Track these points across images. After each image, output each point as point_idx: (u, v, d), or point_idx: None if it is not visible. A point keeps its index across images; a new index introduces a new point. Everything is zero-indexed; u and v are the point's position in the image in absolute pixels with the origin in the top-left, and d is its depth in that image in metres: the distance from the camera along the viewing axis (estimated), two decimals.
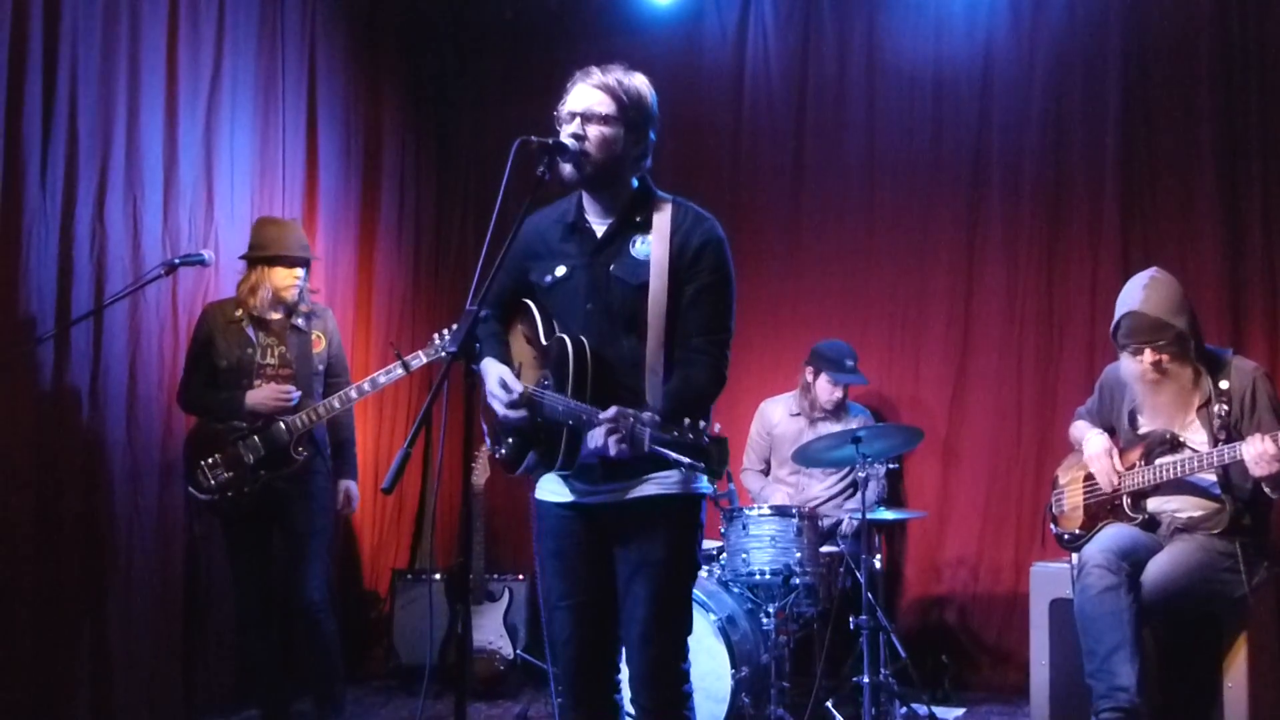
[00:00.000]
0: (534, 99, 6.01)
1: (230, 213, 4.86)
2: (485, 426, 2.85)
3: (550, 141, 2.58)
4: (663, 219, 2.67)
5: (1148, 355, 3.70)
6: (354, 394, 4.16)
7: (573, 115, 2.63)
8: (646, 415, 2.37)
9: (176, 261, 4.12)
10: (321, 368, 4.28)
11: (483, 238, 2.50)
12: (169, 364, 4.54)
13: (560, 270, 2.71)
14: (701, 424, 2.33)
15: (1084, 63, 5.23)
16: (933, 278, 5.49)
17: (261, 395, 4.07)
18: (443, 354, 4.08)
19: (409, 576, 5.54)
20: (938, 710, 4.66)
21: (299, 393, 4.12)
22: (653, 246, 2.64)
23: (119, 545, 4.29)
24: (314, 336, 4.27)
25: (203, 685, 4.66)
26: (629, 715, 2.79)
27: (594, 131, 2.61)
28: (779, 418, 5.22)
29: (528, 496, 6.08)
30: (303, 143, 5.34)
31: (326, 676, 4.26)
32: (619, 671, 2.78)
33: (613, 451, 2.38)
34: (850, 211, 5.67)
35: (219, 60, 4.82)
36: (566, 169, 2.61)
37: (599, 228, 2.71)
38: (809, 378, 5.10)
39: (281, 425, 4.06)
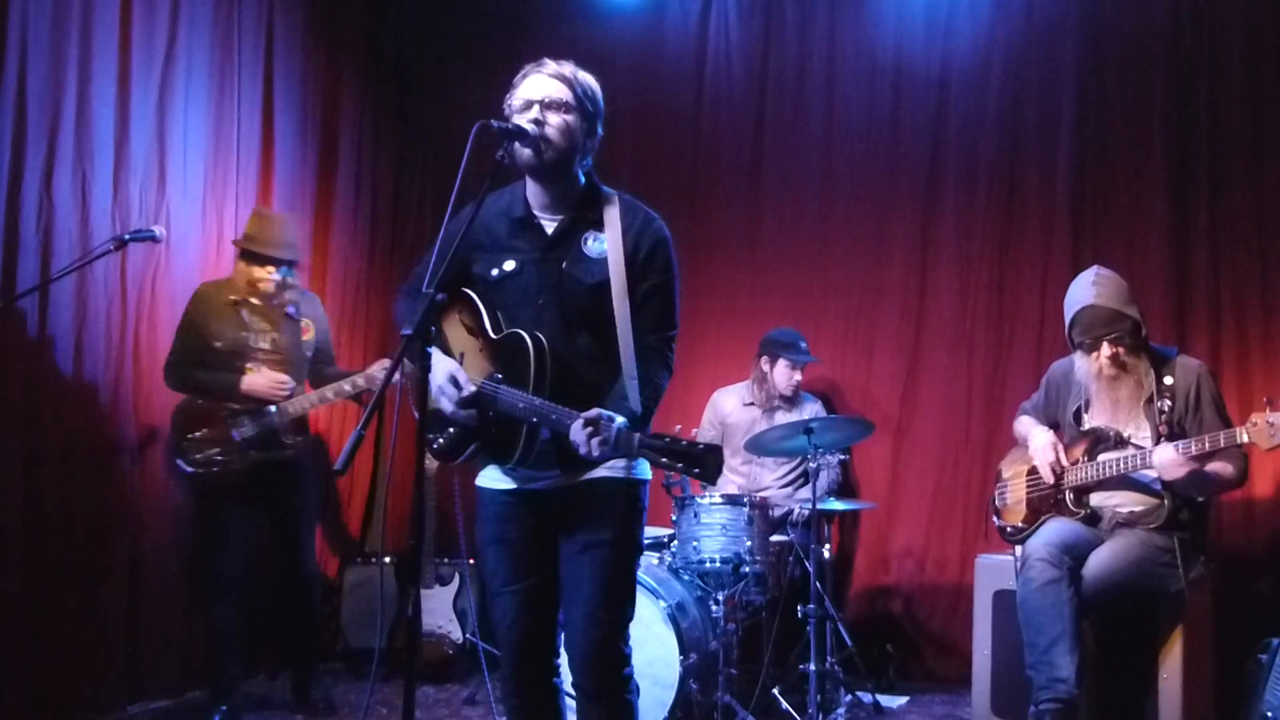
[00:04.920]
0: (495, 82, 5.96)
1: (183, 189, 4.79)
2: (416, 411, 2.81)
3: (511, 126, 2.57)
4: (613, 217, 2.68)
5: (1105, 349, 3.77)
6: (347, 387, 4.30)
7: (529, 103, 2.61)
8: (620, 420, 2.41)
9: (126, 237, 4.06)
10: (309, 354, 4.44)
11: (440, 220, 2.48)
12: (116, 341, 4.47)
13: (509, 264, 2.70)
14: (678, 428, 2.40)
15: (1040, 64, 5.29)
16: (887, 272, 5.54)
17: (259, 382, 4.21)
18: None
19: (359, 559, 5.52)
20: (882, 698, 4.73)
21: (294, 384, 4.27)
22: (608, 246, 2.65)
23: (62, 525, 4.23)
24: (303, 324, 4.42)
25: (146, 669, 4.60)
26: (569, 695, 2.80)
27: (554, 119, 2.61)
28: (731, 407, 5.25)
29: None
30: (258, 119, 5.27)
31: (313, 649, 4.55)
32: (559, 655, 2.80)
33: (595, 453, 2.39)
34: (807, 204, 5.70)
35: (173, 32, 4.74)
36: (525, 154, 2.60)
37: (549, 223, 2.71)
38: (765, 367, 5.14)
39: (274, 410, 4.22)
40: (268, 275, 4.29)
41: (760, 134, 5.82)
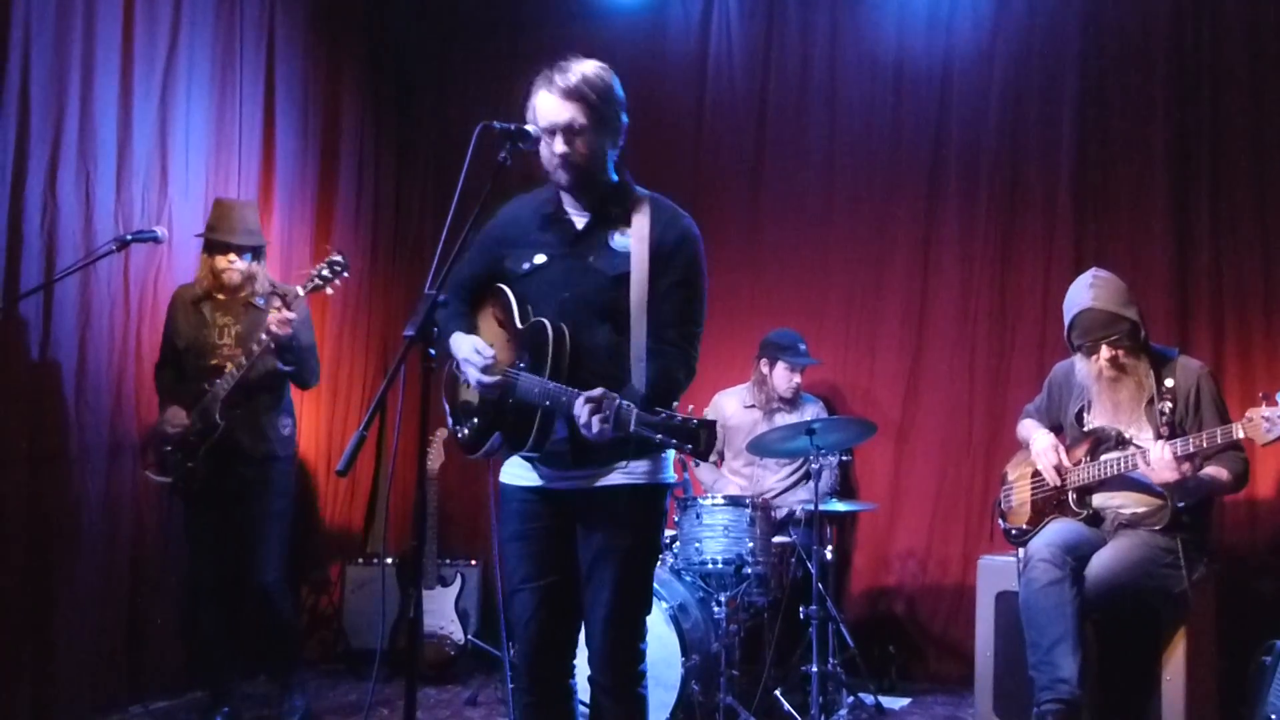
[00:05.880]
0: (496, 82, 6.05)
1: (185, 190, 4.79)
2: (446, 405, 2.87)
3: (512, 127, 2.59)
4: (641, 214, 2.73)
5: (1104, 352, 3.76)
6: (254, 347, 4.09)
7: (552, 131, 2.64)
8: (626, 401, 2.42)
9: (129, 238, 4.07)
10: (275, 347, 4.24)
11: (442, 221, 2.49)
12: (119, 341, 4.48)
13: (539, 259, 2.75)
14: (691, 408, 2.42)
15: (1041, 64, 5.29)
16: (889, 272, 5.54)
17: (165, 415, 4.15)
18: (317, 282, 4.11)
19: (360, 560, 5.52)
20: (884, 700, 4.73)
21: (183, 425, 4.10)
22: (632, 241, 2.69)
23: (64, 525, 4.23)
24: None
25: (148, 668, 4.61)
26: (584, 704, 2.81)
27: (579, 144, 2.64)
28: (733, 410, 5.24)
29: (482, 482, 6.07)
30: (260, 121, 5.27)
31: (283, 658, 4.38)
32: (575, 655, 2.81)
33: (595, 429, 2.40)
34: (809, 205, 5.70)
35: (175, 34, 4.75)
36: (561, 178, 2.68)
37: (578, 220, 2.76)
38: (764, 369, 5.14)
39: (208, 393, 4.09)
40: (229, 264, 4.19)
41: (762, 134, 5.81)
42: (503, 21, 6.18)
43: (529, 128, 2.60)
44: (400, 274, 6.21)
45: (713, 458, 5.31)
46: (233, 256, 4.20)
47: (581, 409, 2.42)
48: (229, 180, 5.05)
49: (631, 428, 2.38)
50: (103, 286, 4.41)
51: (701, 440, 2.34)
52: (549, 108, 2.64)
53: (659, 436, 2.36)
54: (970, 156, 5.41)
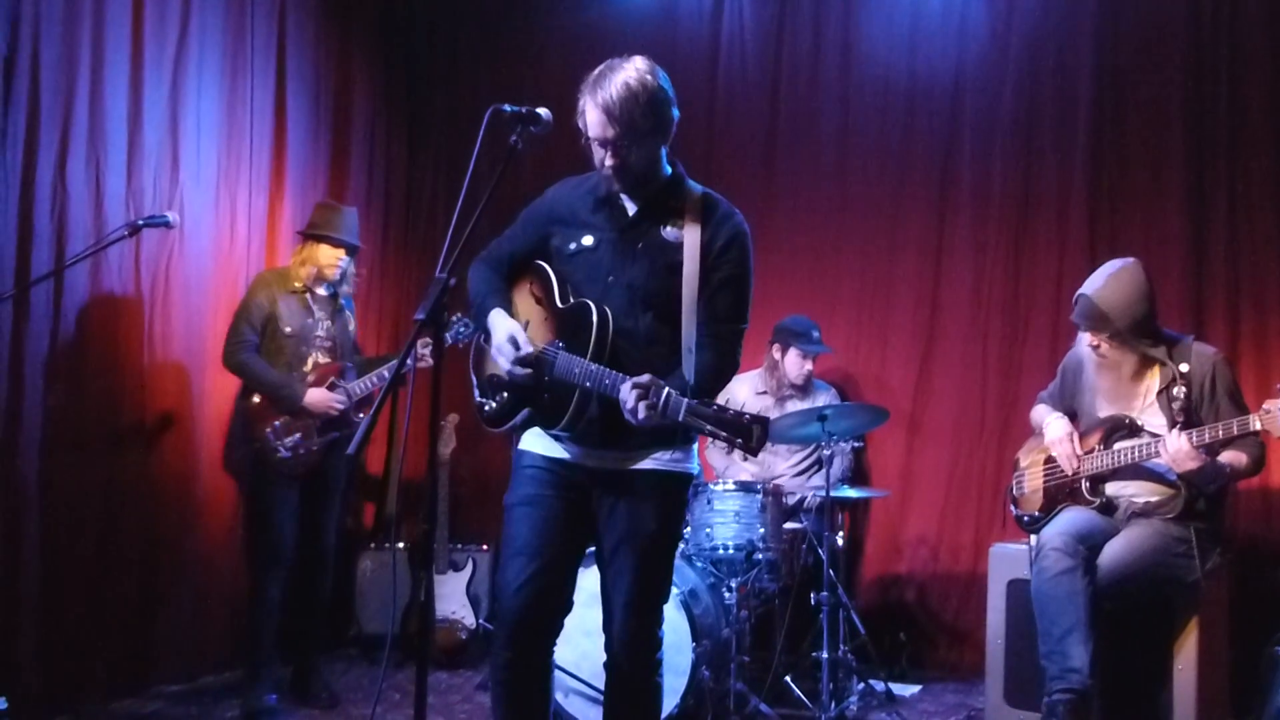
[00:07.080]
0: (507, 67, 6.04)
1: (196, 175, 4.79)
2: (473, 377, 2.87)
3: (523, 111, 2.57)
4: (694, 207, 2.73)
5: (1088, 337, 3.81)
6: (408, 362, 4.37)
7: (601, 144, 2.63)
8: (673, 388, 2.42)
9: (140, 223, 4.05)
10: (353, 343, 4.66)
11: (453, 206, 2.49)
12: (129, 327, 4.48)
13: (587, 240, 2.75)
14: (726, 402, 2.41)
15: (1056, 53, 5.25)
16: (902, 260, 5.52)
17: (320, 399, 4.35)
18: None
19: (372, 545, 5.53)
20: (894, 687, 4.73)
21: (346, 398, 4.39)
22: (685, 233, 2.69)
23: (75, 510, 4.24)
24: (347, 315, 4.61)
25: (160, 653, 4.62)
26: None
27: (626, 156, 2.64)
28: (744, 395, 5.23)
29: (493, 466, 6.07)
30: (271, 106, 5.26)
31: (317, 637, 4.57)
32: (558, 634, 2.78)
33: (641, 414, 2.41)
34: (821, 192, 5.68)
35: (186, 20, 4.73)
36: (614, 185, 2.69)
37: (630, 206, 2.75)
38: (776, 355, 5.12)
39: (343, 391, 4.38)
40: (337, 261, 4.45)
41: (774, 121, 5.79)
42: (514, 7, 6.15)
43: (540, 111, 2.56)
44: (411, 261, 6.21)
45: (724, 444, 5.29)
46: (341, 253, 4.46)
47: (629, 394, 2.43)
48: (240, 167, 5.05)
49: (681, 417, 2.39)
50: (114, 272, 4.41)
51: (754, 435, 2.34)
52: (593, 121, 2.63)
53: (709, 427, 2.37)
54: (984, 144, 5.38)
